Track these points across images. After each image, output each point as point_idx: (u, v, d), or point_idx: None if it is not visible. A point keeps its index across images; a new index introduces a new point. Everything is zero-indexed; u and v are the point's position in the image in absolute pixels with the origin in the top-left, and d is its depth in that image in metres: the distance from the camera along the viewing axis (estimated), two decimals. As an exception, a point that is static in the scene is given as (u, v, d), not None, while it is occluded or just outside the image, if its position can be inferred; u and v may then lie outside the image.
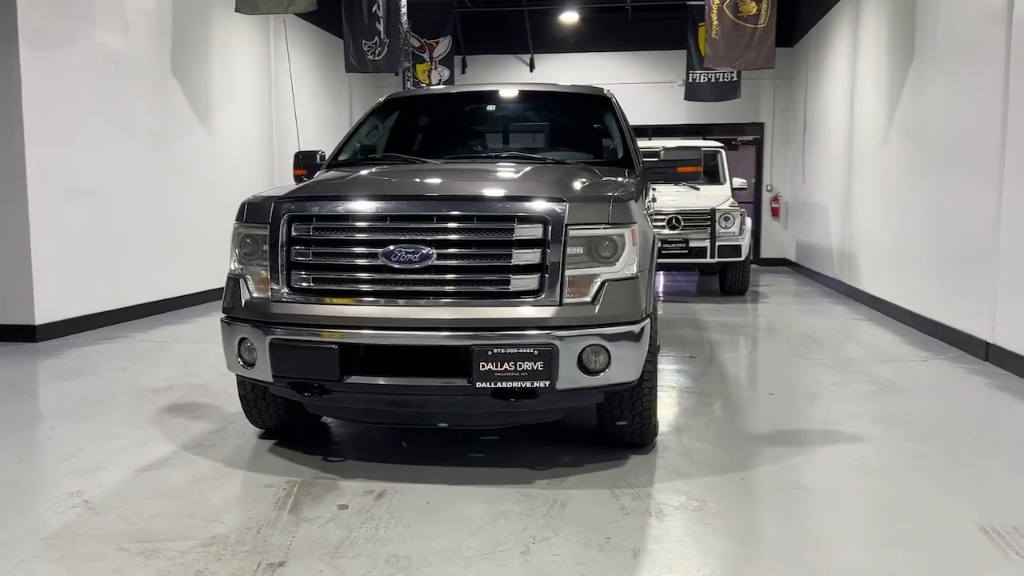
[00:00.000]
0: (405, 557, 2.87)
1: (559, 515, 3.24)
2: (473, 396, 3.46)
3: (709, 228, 10.20)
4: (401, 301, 3.50)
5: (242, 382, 4.08)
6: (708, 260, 10.29)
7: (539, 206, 3.50)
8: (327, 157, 5.03)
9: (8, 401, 5.11)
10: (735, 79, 13.69)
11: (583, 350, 3.46)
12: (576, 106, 5.37)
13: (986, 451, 4.15)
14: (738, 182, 11.61)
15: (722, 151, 11.65)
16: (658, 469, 3.79)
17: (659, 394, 5.18)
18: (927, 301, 7.60)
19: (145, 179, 8.65)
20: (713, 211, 10.22)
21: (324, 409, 3.84)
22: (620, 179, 4.30)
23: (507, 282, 3.47)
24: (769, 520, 3.23)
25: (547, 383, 3.40)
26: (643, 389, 3.82)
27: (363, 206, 3.58)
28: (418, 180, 4.12)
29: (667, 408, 4.88)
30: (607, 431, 4.00)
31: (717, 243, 10.22)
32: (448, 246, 3.49)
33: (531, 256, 3.48)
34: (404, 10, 11.52)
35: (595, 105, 5.20)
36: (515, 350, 3.37)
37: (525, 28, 15.33)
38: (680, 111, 15.43)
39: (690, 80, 13.99)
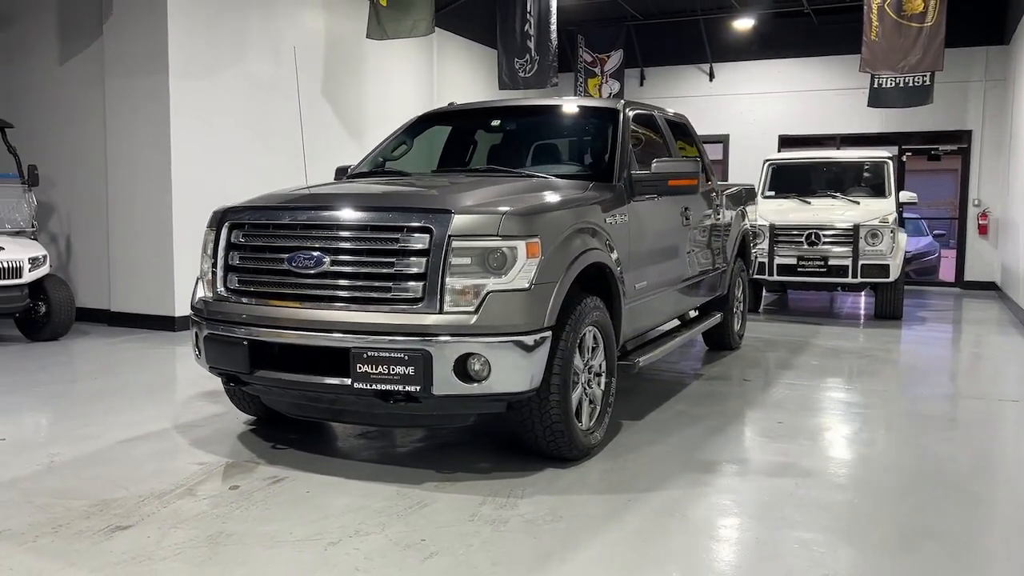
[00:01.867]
0: (228, 535, 3.15)
1: (408, 515, 3.36)
2: (362, 396, 3.67)
3: (852, 245, 9.44)
4: (304, 303, 3.80)
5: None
6: (850, 280, 9.51)
7: (423, 218, 3.64)
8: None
9: (97, 377, 6.04)
10: (927, 83, 12.44)
11: (460, 358, 3.55)
12: (581, 121, 5.38)
13: (956, 499, 3.64)
14: (906, 195, 10.59)
15: (888, 162, 10.70)
16: (556, 483, 3.75)
17: (653, 415, 5.04)
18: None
19: (289, 191, 9.61)
20: (856, 227, 9.43)
21: (267, 400, 4.22)
22: (570, 193, 4.29)
23: (390, 289, 3.65)
24: (605, 543, 3.12)
25: (419, 388, 3.53)
26: (550, 401, 3.80)
27: (279, 216, 3.93)
28: (338, 193, 4.37)
29: (646, 427, 4.74)
30: (522, 441, 4.02)
31: (860, 261, 9.43)
32: (341, 253, 3.74)
33: (415, 265, 3.62)
34: (554, 28, 11.82)
35: (599, 119, 5.16)
36: (387, 354, 3.53)
37: (702, 37, 14.98)
38: (873, 119, 14.26)
39: (875, 85, 12.94)
